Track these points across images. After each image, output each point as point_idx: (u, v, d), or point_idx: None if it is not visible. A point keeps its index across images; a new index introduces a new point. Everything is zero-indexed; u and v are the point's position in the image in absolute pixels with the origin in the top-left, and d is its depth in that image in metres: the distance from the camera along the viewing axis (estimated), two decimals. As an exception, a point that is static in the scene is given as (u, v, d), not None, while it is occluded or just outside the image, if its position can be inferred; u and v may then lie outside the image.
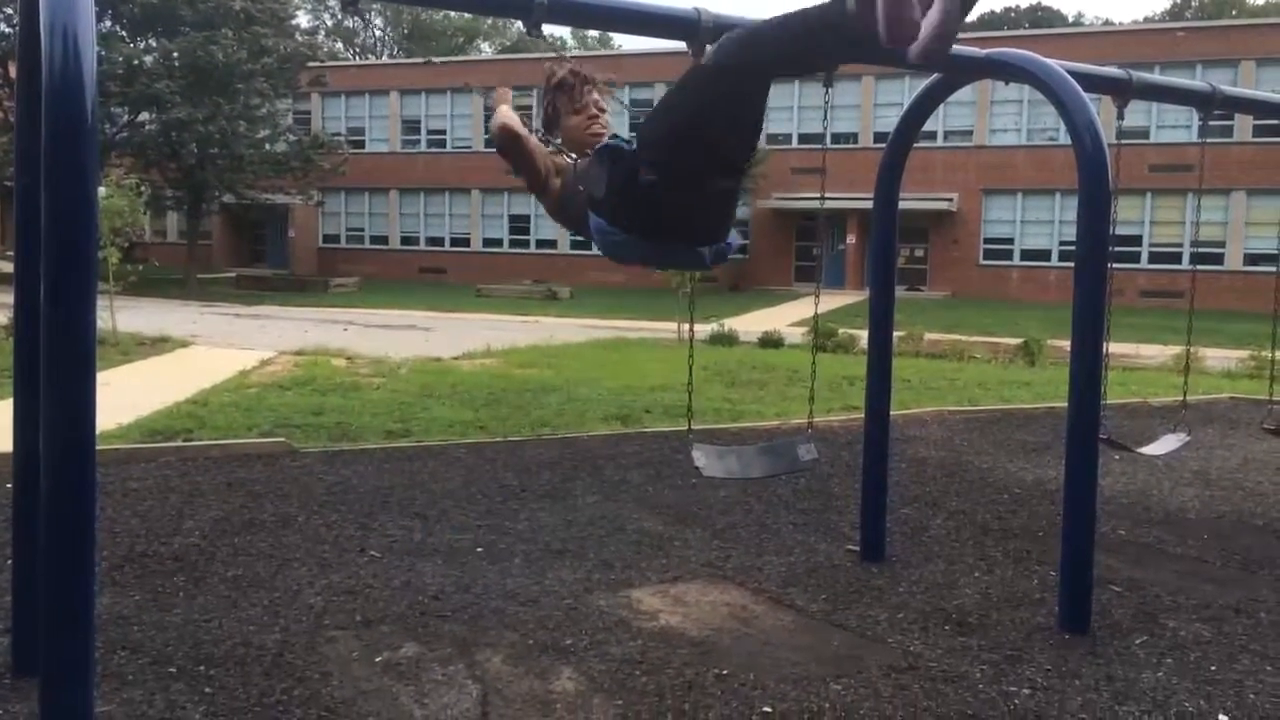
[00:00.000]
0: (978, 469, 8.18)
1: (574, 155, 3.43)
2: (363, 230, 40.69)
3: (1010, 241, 33.19)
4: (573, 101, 3.53)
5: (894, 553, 5.89)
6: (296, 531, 5.97)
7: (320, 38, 45.77)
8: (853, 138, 33.73)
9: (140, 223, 17.42)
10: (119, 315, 15.43)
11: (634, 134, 3.16)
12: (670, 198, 3.01)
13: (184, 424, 8.79)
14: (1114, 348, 5.92)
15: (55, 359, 2.78)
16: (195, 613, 4.68)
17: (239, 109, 30.16)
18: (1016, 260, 33.07)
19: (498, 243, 38.82)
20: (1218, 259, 30.47)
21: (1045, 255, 32.54)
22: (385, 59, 58.77)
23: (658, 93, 36.13)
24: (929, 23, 2.54)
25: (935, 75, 5.75)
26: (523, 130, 3.40)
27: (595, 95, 3.55)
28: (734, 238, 3.32)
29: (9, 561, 4.27)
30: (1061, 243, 31.70)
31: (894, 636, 4.67)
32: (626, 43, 55.85)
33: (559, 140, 3.54)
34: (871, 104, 33.60)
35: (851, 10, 2.56)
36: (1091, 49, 29.26)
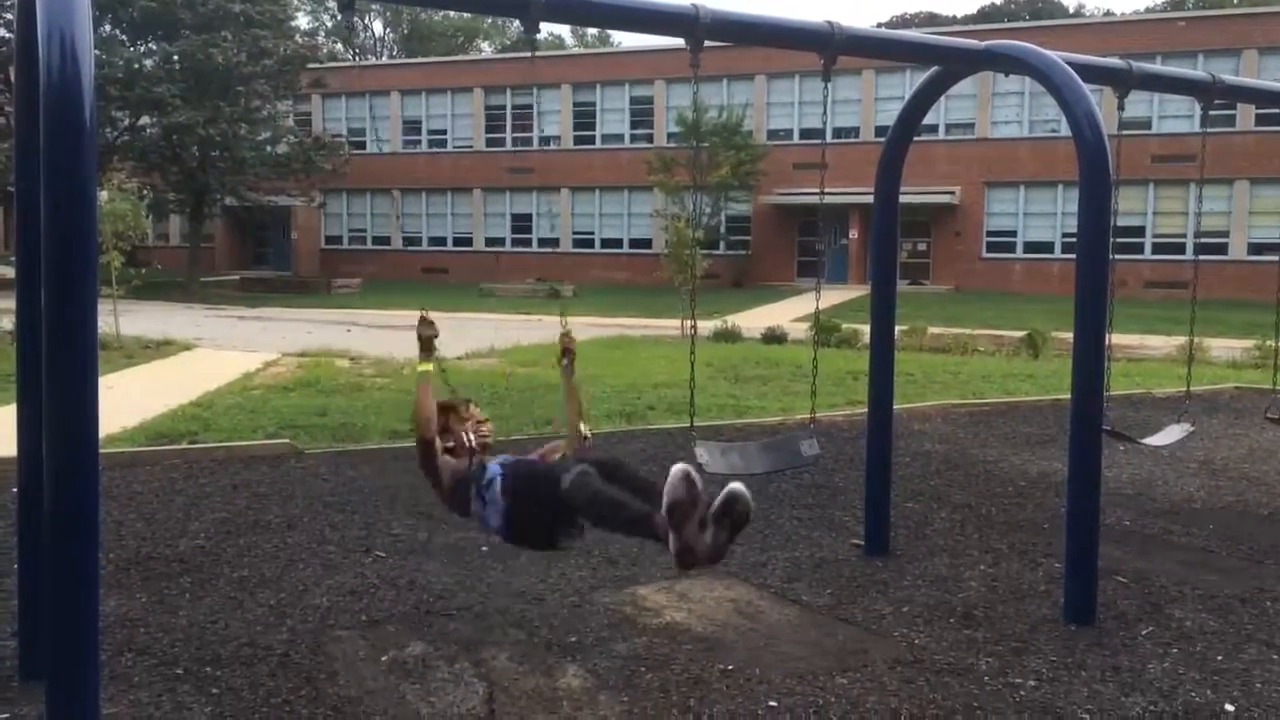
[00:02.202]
0: (982, 462, 8.17)
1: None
2: (365, 231, 40.70)
3: (1013, 234, 33.13)
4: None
5: (898, 547, 5.88)
6: (302, 532, 5.98)
7: (320, 39, 45.76)
8: (854, 132, 33.67)
9: (143, 227, 17.43)
10: (122, 319, 15.45)
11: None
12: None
13: (188, 427, 8.80)
14: (1118, 339, 5.92)
15: (57, 363, 2.79)
16: (201, 614, 4.69)
17: (240, 111, 30.18)
18: (1019, 253, 32.99)
19: (500, 242, 38.82)
20: (1221, 249, 30.39)
21: (1048, 247, 32.46)
22: (385, 59, 58.78)
23: (657, 90, 36.17)
24: (702, 549, 3.35)
25: (935, 68, 5.74)
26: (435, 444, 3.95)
27: (468, 420, 4.12)
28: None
29: (14, 566, 4.28)
30: (1064, 235, 31.62)
31: (899, 630, 4.67)
32: (626, 40, 55.82)
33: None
34: (872, 98, 33.54)
35: (656, 531, 3.40)
36: (1093, 40, 29.20)
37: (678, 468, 3.41)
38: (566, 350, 4.15)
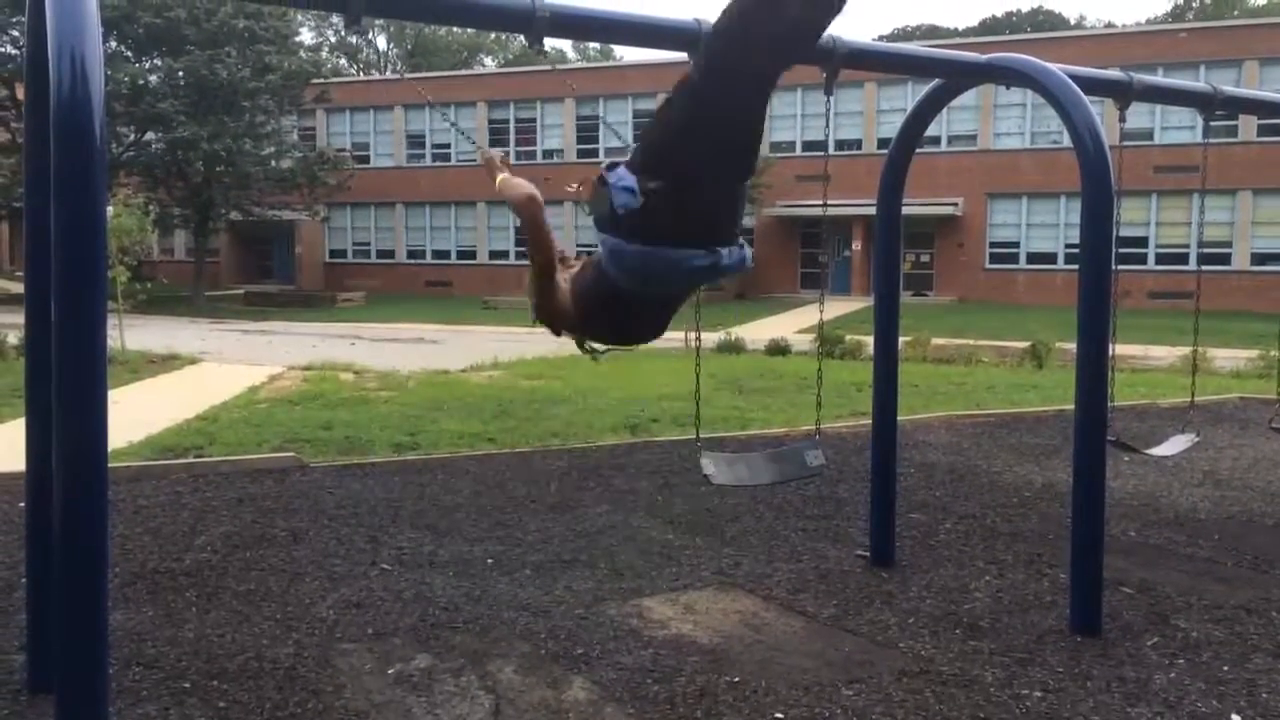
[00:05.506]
0: (987, 473, 8.17)
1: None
2: (369, 245, 40.80)
3: (1016, 245, 33.15)
4: None
5: (904, 558, 5.89)
6: (307, 545, 5.99)
7: (324, 54, 45.99)
8: (856, 144, 33.74)
9: (148, 241, 17.52)
10: (128, 333, 15.50)
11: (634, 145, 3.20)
12: (675, 201, 2.99)
13: (194, 441, 8.83)
14: (1122, 349, 5.92)
15: (67, 378, 2.81)
16: (208, 628, 4.70)
17: (244, 126, 30.31)
18: (1023, 264, 33.01)
19: (504, 255, 38.90)
20: (1225, 259, 30.40)
21: (1051, 258, 32.48)
22: (389, 74, 58.97)
23: (660, 103, 36.31)
24: None
25: (937, 80, 5.77)
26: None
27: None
28: (747, 251, 3.24)
29: (23, 580, 4.30)
30: (1067, 245, 31.63)
31: (905, 641, 4.67)
32: (628, 54, 56.01)
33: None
34: (875, 110, 33.62)
35: None
36: (1094, 52, 29.26)
37: None
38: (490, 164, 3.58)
